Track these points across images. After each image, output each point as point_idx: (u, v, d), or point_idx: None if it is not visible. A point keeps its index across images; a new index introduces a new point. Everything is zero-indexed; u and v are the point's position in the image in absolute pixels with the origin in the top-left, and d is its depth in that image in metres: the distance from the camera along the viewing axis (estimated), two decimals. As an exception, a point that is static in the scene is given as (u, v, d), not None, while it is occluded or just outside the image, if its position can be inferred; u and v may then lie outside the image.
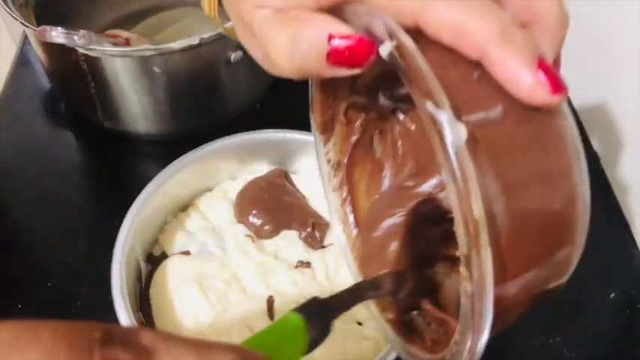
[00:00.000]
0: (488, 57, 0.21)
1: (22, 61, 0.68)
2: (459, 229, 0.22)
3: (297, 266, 0.47)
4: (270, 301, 0.44)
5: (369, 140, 0.39)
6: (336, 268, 0.47)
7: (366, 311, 0.44)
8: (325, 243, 0.49)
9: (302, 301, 0.30)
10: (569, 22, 0.23)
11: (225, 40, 0.52)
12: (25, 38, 0.69)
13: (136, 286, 0.45)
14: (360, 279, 0.38)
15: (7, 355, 0.19)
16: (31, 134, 0.61)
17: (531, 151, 0.24)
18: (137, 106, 0.55)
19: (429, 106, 0.21)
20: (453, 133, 0.21)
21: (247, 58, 0.54)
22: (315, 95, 0.36)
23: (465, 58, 0.22)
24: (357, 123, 0.38)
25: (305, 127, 0.52)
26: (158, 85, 0.53)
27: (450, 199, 0.22)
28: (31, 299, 0.49)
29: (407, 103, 0.36)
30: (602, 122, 0.60)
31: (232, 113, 0.60)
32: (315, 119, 0.38)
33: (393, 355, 0.38)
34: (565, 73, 0.70)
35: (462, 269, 0.23)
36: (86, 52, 0.50)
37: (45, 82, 0.65)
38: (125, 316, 0.40)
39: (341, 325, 0.43)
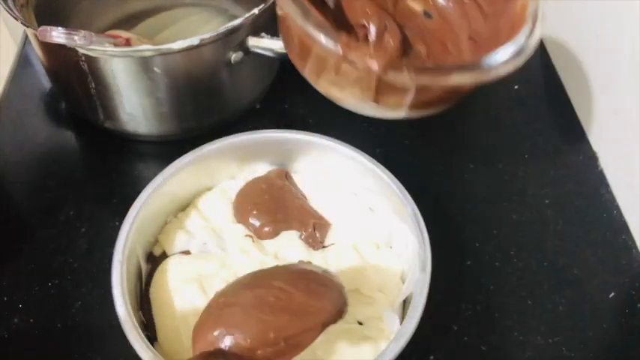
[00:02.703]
0: None
1: (23, 61, 0.68)
2: None
3: (297, 266, 0.47)
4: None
5: None
6: (337, 268, 0.47)
7: (367, 311, 0.45)
8: (326, 243, 0.49)
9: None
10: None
11: (226, 41, 0.53)
12: (26, 38, 0.69)
13: (136, 285, 0.45)
14: None
15: None
16: (31, 134, 0.61)
17: None
18: (137, 107, 0.55)
19: None
20: None
21: (248, 59, 0.55)
22: None
23: None
24: None
25: (305, 127, 0.52)
26: (158, 86, 0.53)
27: None
28: (32, 299, 0.49)
29: None
30: (602, 122, 0.60)
31: (232, 113, 0.61)
32: None
33: (393, 354, 0.39)
34: (565, 72, 0.71)
35: None
36: (86, 52, 0.50)
37: (45, 83, 0.66)
38: (125, 315, 0.40)
39: (342, 324, 0.43)
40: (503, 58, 0.43)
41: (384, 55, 0.41)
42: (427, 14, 0.52)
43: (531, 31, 0.44)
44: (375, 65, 0.40)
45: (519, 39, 0.44)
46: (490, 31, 0.48)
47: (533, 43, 0.44)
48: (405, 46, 0.50)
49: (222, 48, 0.53)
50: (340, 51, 0.41)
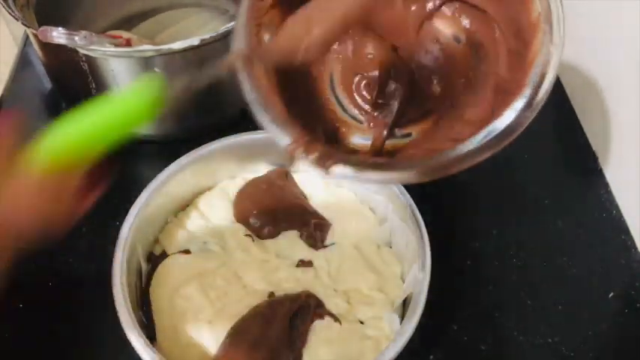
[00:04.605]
0: None
1: (24, 61, 0.68)
2: None
3: (298, 265, 0.47)
4: (271, 297, 0.44)
5: None
6: (338, 267, 0.47)
7: (367, 311, 0.45)
8: (326, 243, 0.49)
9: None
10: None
11: (226, 41, 0.53)
12: (27, 39, 0.69)
13: (136, 285, 0.45)
14: None
15: None
16: (32, 134, 0.61)
17: None
18: (138, 107, 0.55)
19: None
20: None
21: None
22: None
23: None
24: None
25: (305, 127, 0.52)
26: (159, 86, 0.53)
27: None
28: (33, 298, 0.49)
29: None
30: (602, 122, 0.60)
31: (232, 114, 0.61)
32: None
33: (393, 354, 0.39)
34: (566, 73, 0.70)
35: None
36: (87, 52, 0.50)
37: (46, 83, 0.66)
38: (126, 315, 0.40)
39: (343, 324, 0.43)
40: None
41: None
42: (457, 39, 0.38)
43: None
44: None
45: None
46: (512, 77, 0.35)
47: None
48: (413, 90, 0.40)
49: (221, 48, 0.53)
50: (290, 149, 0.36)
